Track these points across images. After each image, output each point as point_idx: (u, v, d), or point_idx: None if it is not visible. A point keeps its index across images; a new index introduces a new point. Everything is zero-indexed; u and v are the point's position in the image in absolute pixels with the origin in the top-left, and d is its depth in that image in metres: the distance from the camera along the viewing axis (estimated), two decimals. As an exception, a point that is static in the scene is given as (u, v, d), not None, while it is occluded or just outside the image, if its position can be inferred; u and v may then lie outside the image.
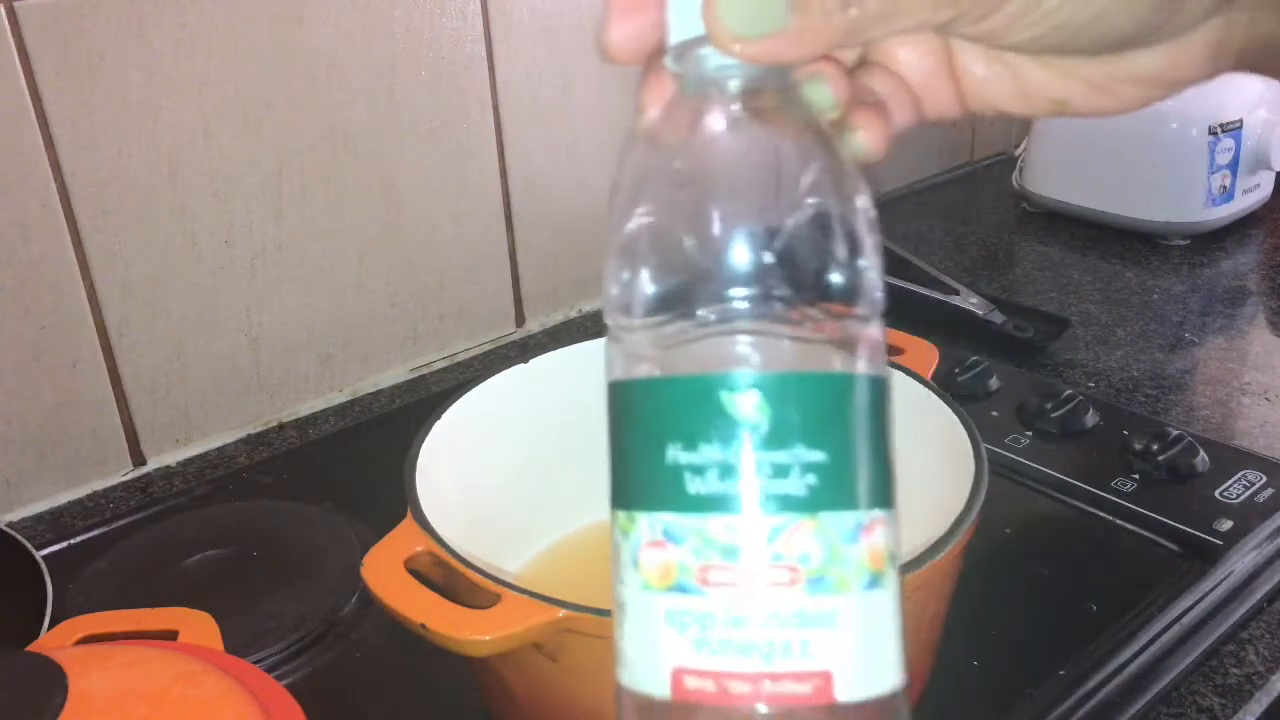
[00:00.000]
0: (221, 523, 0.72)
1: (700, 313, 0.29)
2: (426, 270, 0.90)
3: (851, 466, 0.28)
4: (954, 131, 1.31)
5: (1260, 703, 0.55)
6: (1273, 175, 1.11)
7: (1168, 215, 1.07)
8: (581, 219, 0.99)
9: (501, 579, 0.45)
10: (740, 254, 0.29)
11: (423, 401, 0.86)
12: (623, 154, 0.32)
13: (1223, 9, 0.30)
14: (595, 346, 0.64)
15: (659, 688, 0.29)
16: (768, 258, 0.29)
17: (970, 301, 0.93)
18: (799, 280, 0.29)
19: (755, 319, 0.29)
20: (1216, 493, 0.68)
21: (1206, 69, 0.32)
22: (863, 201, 0.31)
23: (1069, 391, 0.77)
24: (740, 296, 0.29)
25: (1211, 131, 1.03)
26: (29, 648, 0.46)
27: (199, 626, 0.48)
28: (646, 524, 0.30)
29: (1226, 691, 0.55)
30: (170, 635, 0.48)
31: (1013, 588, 0.63)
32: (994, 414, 0.77)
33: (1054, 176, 1.14)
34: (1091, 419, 0.76)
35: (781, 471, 0.28)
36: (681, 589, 0.29)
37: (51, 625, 0.54)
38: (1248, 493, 0.68)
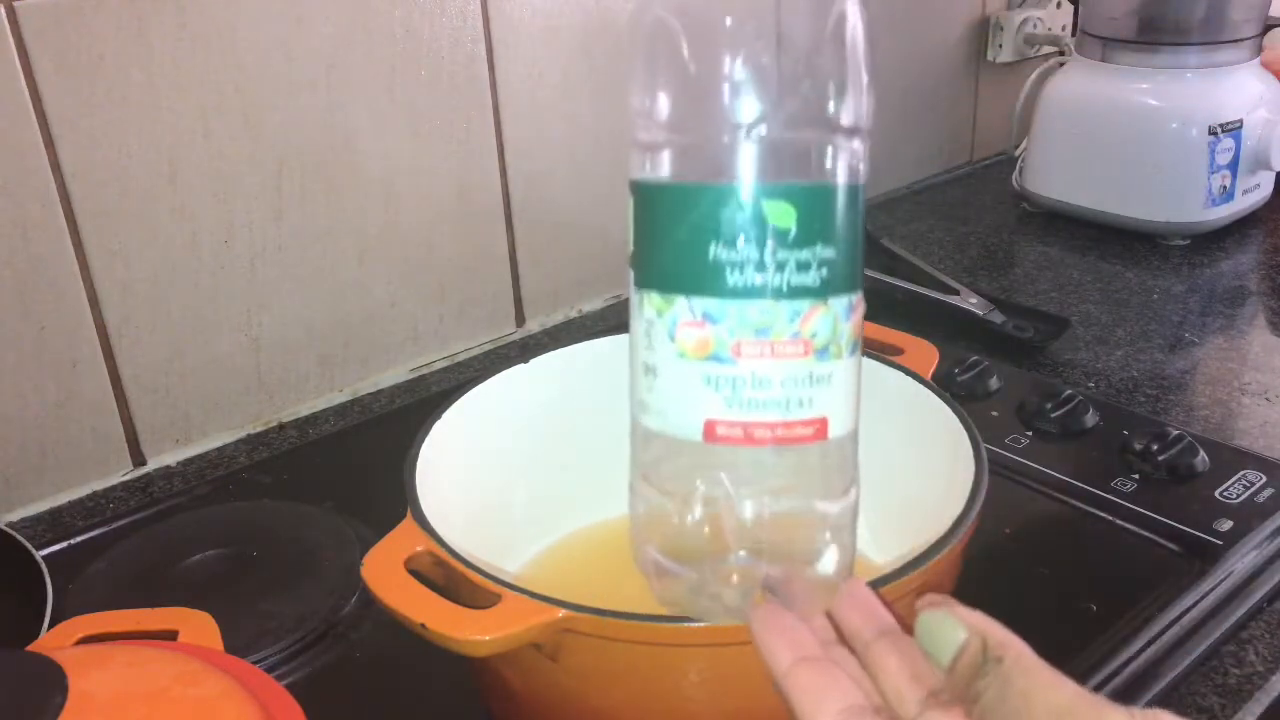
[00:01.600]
0: (221, 523, 0.72)
1: (732, 118, 0.35)
2: (426, 270, 0.90)
3: (850, 259, 0.36)
4: (954, 131, 1.31)
5: (1260, 703, 0.55)
6: (1273, 175, 1.11)
7: (1168, 215, 1.07)
8: (581, 219, 0.99)
9: (501, 579, 0.45)
10: (763, 56, 0.35)
11: (423, 401, 0.86)
12: None
13: None
14: (595, 346, 0.64)
15: (692, 433, 0.37)
16: (790, 62, 0.35)
17: (970, 301, 0.93)
18: (817, 90, 0.35)
19: (783, 126, 0.35)
20: (1216, 493, 0.68)
21: None
22: (862, 14, 0.36)
23: (1069, 391, 0.77)
24: (767, 99, 0.35)
25: (1211, 131, 1.03)
26: (29, 648, 0.46)
27: (199, 626, 0.48)
28: (686, 305, 0.36)
29: (1226, 691, 0.55)
30: (170, 635, 0.48)
31: (1013, 588, 0.63)
32: (994, 414, 0.77)
33: (1054, 176, 1.14)
34: (1091, 419, 0.76)
35: (804, 266, 0.35)
36: (717, 359, 0.36)
37: (51, 625, 0.54)
38: (1248, 493, 0.68)
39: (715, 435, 0.36)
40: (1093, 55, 1.10)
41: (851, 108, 0.36)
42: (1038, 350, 0.88)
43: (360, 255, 0.86)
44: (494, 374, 0.61)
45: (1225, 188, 1.06)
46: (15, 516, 0.75)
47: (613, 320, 0.99)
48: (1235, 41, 1.06)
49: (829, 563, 0.38)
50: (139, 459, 0.80)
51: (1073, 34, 1.23)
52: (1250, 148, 1.06)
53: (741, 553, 0.37)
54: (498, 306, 0.96)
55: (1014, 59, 1.29)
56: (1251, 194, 1.09)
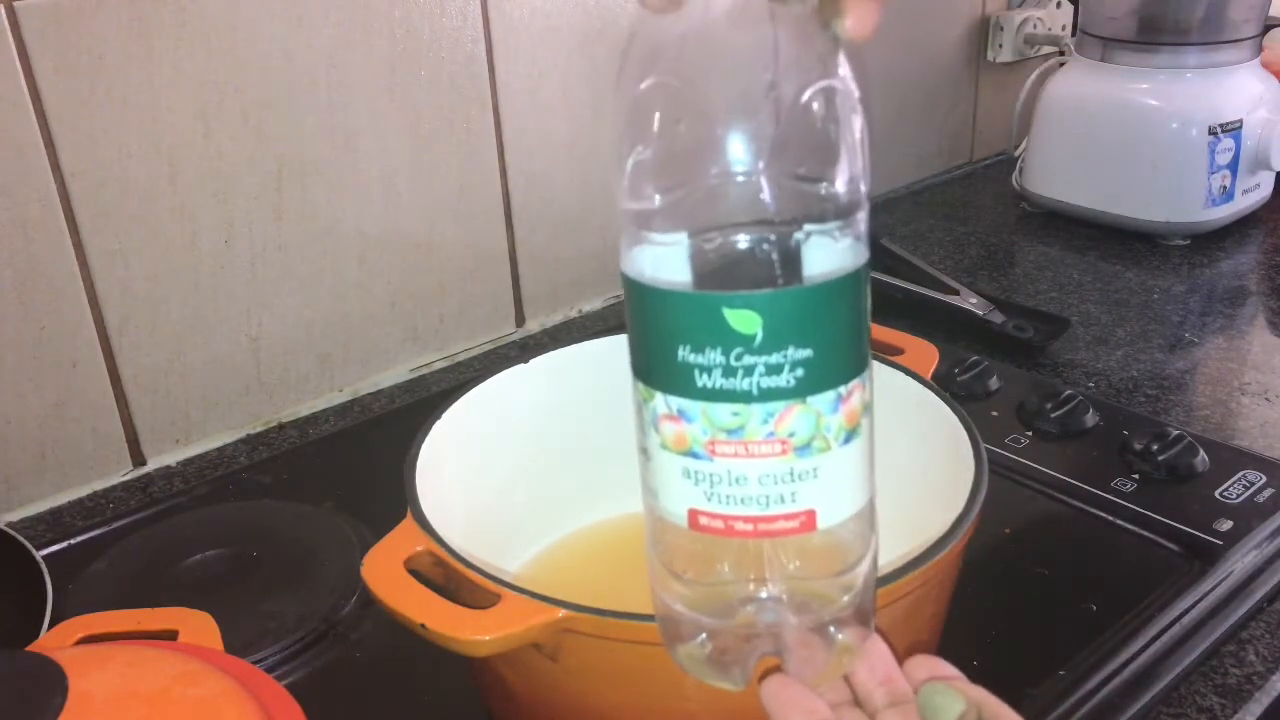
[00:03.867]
0: (221, 523, 0.72)
1: (703, 203, 0.34)
2: (426, 270, 0.90)
3: (834, 354, 0.35)
4: (954, 131, 1.31)
5: (1260, 703, 0.55)
6: (1273, 175, 1.11)
7: (1168, 215, 1.07)
8: (581, 219, 0.99)
9: (501, 579, 0.45)
10: (742, 124, 0.34)
11: (423, 401, 0.86)
12: (629, 40, 0.38)
13: None
14: (595, 346, 0.64)
15: (679, 519, 0.37)
16: (767, 131, 0.33)
17: (970, 301, 0.93)
18: (798, 162, 0.34)
19: (753, 219, 0.34)
20: (1216, 493, 0.68)
21: None
22: (852, 85, 0.35)
23: (1069, 391, 0.77)
24: (741, 174, 0.33)
25: (1211, 131, 1.03)
26: (29, 648, 0.46)
27: (199, 626, 0.48)
28: (663, 401, 0.36)
29: (1226, 691, 0.55)
30: (170, 635, 0.48)
31: (1013, 588, 0.63)
32: (994, 414, 0.77)
33: (1054, 176, 1.14)
34: (1091, 419, 0.76)
35: (775, 370, 0.34)
36: (693, 455, 0.36)
37: (51, 625, 0.54)
38: (1248, 493, 0.68)
39: (699, 525, 0.37)
40: (1093, 55, 1.10)
41: (844, 192, 0.34)
42: (1038, 350, 0.88)
43: (360, 255, 0.86)
44: (494, 374, 0.61)
45: (1225, 188, 1.06)
46: (15, 516, 0.75)
47: (613, 320, 0.99)
48: (1235, 41, 1.06)
49: (845, 628, 0.38)
50: (139, 459, 0.80)
51: (1073, 34, 1.23)
52: (1250, 148, 1.06)
53: (755, 620, 0.37)
54: (498, 306, 0.96)
55: (1014, 59, 1.29)
56: (1251, 194, 1.09)
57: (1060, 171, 1.13)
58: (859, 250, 0.35)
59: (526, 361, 0.62)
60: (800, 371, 0.34)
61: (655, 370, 0.36)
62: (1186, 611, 0.59)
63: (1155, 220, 1.07)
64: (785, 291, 0.34)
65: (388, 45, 0.82)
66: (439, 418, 0.57)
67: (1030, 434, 0.75)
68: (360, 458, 0.79)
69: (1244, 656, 0.57)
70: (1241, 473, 0.69)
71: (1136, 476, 0.70)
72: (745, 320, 0.34)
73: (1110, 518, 0.67)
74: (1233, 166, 1.05)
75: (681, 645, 0.39)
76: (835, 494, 0.36)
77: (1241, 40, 1.06)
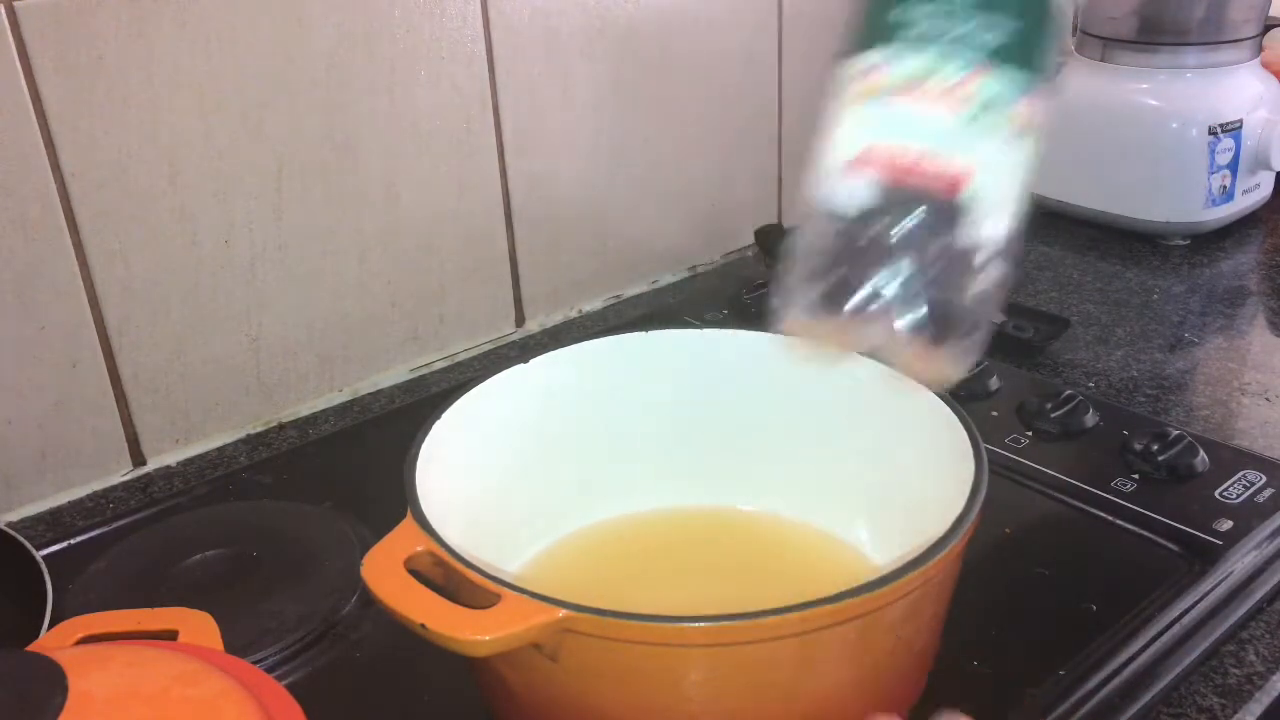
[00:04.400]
0: (221, 523, 0.72)
1: None
2: (426, 270, 0.90)
3: (1031, 46, 0.40)
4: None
5: (1260, 703, 0.55)
6: (1273, 175, 1.11)
7: (1168, 215, 1.07)
8: (581, 219, 0.99)
9: (501, 579, 0.45)
10: None
11: (423, 401, 0.86)
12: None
13: None
14: (595, 346, 0.64)
15: (850, 153, 0.43)
16: None
17: (970, 301, 0.93)
18: None
19: None
20: (1216, 493, 0.68)
21: None
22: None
23: (1069, 391, 0.77)
24: None
25: (1211, 131, 1.03)
26: (29, 648, 0.46)
27: (199, 626, 0.48)
28: (866, 56, 0.42)
29: (1226, 691, 0.55)
30: (170, 635, 0.48)
31: (1013, 588, 0.63)
32: (994, 414, 0.77)
33: (1054, 176, 1.14)
34: (1091, 419, 0.76)
35: (984, 26, 0.39)
36: (880, 101, 0.42)
37: (51, 625, 0.54)
38: (1248, 493, 0.68)
39: (867, 157, 0.42)
40: (1093, 55, 1.10)
41: None
42: (1038, 350, 0.88)
43: (360, 255, 0.86)
44: (494, 374, 0.61)
45: (1225, 188, 1.06)
46: (15, 516, 0.75)
47: (613, 320, 0.99)
48: (1235, 41, 1.06)
49: (953, 335, 0.44)
50: (139, 459, 0.80)
51: (1073, 34, 1.23)
52: (1250, 148, 1.06)
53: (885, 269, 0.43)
54: (498, 306, 0.96)
55: (1014, 59, 1.29)
56: (1251, 194, 1.09)
57: (1060, 171, 1.13)
58: None
59: (526, 361, 0.62)
60: (1002, 37, 0.40)
61: (866, 31, 0.43)
62: (1186, 611, 0.59)
63: (1155, 220, 1.07)
64: None
65: (388, 45, 0.82)
66: (439, 418, 0.57)
67: (1030, 434, 0.75)
68: (360, 458, 0.79)
69: (1244, 656, 0.57)
70: (1241, 473, 0.69)
71: (1136, 476, 0.70)
72: None
73: (1110, 518, 0.67)
74: (1233, 166, 1.05)
75: (804, 280, 0.45)
76: (990, 174, 0.41)
77: (1241, 40, 1.06)
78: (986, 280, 0.43)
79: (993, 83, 0.40)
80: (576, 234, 0.99)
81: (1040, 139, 0.42)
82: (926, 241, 0.42)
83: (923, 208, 0.42)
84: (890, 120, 0.42)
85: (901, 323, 0.42)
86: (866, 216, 0.43)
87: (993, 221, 0.42)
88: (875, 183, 0.43)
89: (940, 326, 0.43)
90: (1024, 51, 0.40)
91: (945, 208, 0.42)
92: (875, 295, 0.42)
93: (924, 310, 0.42)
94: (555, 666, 0.46)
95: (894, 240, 0.42)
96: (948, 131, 0.41)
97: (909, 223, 0.42)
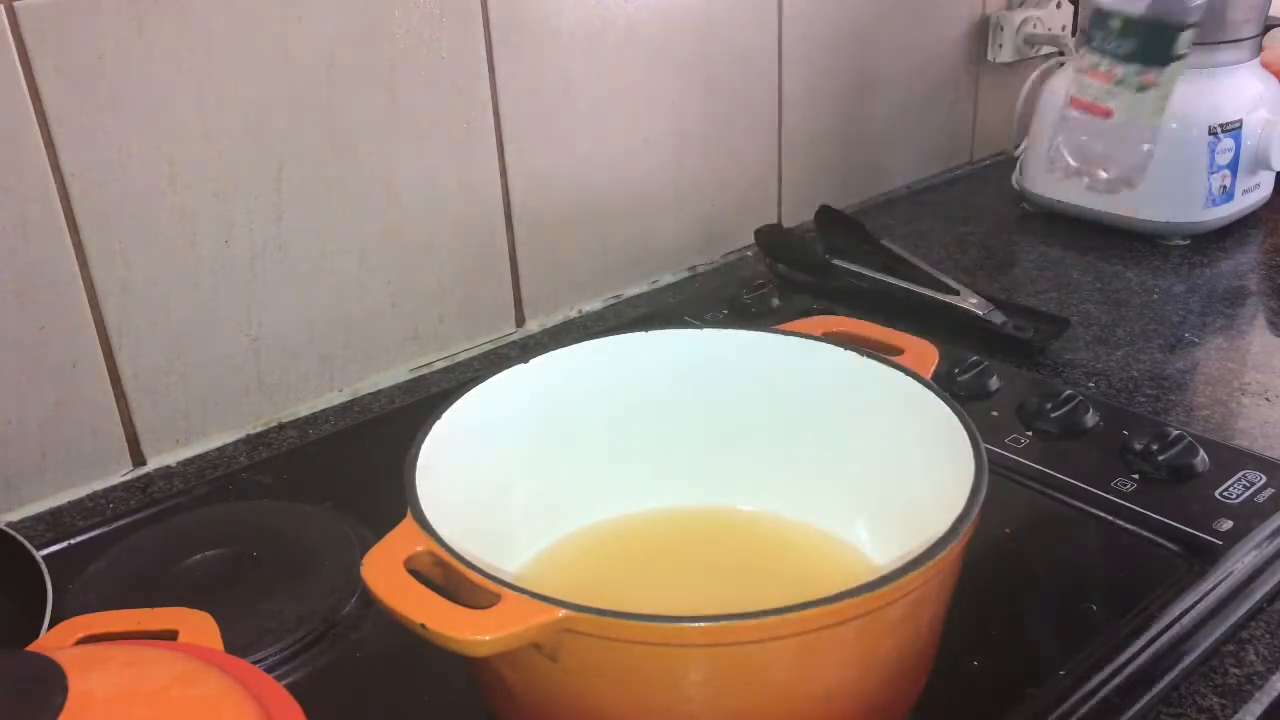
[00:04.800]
0: (221, 523, 0.72)
1: None
2: (426, 270, 0.90)
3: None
4: (954, 131, 1.31)
5: (1260, 703, 0.55)
6: (1273, 175, 1.11)
7: (1168, 215, 1.07)
8: (581, 219, 0.99)
9: (501, 579, 0.45)
10: None
11: (423, 401, 0.86)
12: None
13: None
14: (595, 346, 0.64)
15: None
16: None
17: (970, 301, 0.93)
18: None
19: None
20: (1216, 493, 0.68)
21: None
22: None
23: (1069, 391, 0.77)
24: None
25: (1211, 131, 1.03)
26: (29, 648, 0.46)
27: (199, 626, 0.48)
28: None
29: (1226, 691, 0.55)
30: (170, 635, 0.48)
31: (1013, 588, 0.63)
32: (994, 414, 0.77)
33: (1054, 176, 1.14)
34: (1091, 419, 0.76)
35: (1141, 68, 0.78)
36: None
37: (51, 625, 0.54)
38: (1248, 493, 0.68)
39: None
40: (1093, 55, 1.10)
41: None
42: (1038, 350, 0.88)
43: (360, 255, 0.86)
44: (494, 374, 0.61)
45: (1225, 188, 1.06)
46: (15, 516, 0.75)
47: (612, 320, 0.99)
48: (1235, 41, 1.06)
49: None
50: (139, 459, 0.80)
51: (1073, 34, 1.23)
52: (1250, 148, 1.06)
53: None
54: (498, 306, 0.96)
55: (1014, 59, 1.29)
56: (1251, 194, 1.09)
57: (1060, 171, 1.13)
58: None
59: (526, 361, 0.62)
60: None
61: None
62: (1186, 611, 0.59)
63: (1155, 220, 1.07)
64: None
65: (388, 45, 0.82)
66: (439, 418, 0.57)
67: (1030, 434, 0.75)
68: (360, 458, 0.79)
69: (1244, 656, 0.57)
70: (1241, 473, 0.69)
71: (1136, 476, 0.70)
72: None
73: (1110, 518, 0.67)
74: (1233, 166, 1.05)
75: None
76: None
77: (1241, 40, 1.06)
78: None
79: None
80: (576, 234, 0.99)
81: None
82: None
83: None
84: None
85: None
86: None
87: None
88: None
89: None
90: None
91: None
92: None
93: None
94: (555, 666, 0.46)
95: None
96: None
97: None
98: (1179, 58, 0.77)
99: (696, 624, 0.43)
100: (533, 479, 0.63)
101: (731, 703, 0.46)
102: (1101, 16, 0.77)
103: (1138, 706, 0.54)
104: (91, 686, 0.39)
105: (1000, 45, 1.28)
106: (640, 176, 1.01)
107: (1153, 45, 0.74)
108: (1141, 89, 0.76)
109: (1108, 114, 0.74)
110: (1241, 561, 0.62)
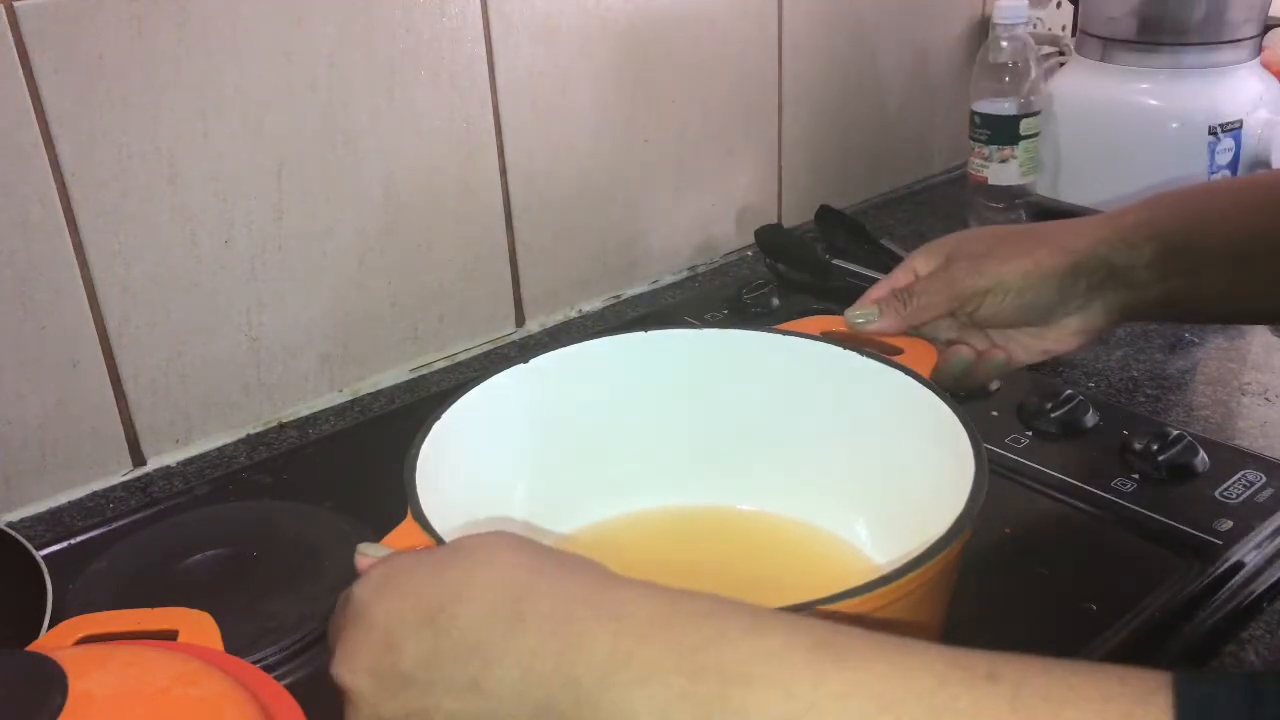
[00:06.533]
0: (221, 523, 0.72)
1: None
2: (426, 270, 0.90)
3: None
4: (954, 131, 1.31)
5: (1260, 703, 0.55)
6: (1273, 175, 1.11)
7: (1168, 215, 1.07)
8: (581, 219, 0.99)
9: (501, 579, 0.45)
10: None
11: (423, 401, 0.86)
12: None
13: (1093, 299, 0.63)
14: (595, 347, 0.64)
15: None
16: None
17: (970, 301, 0.93)
18: None
19: None
20: (1216, 493, 0.68)
21: (1081, 338, 0.64)
22: None
23: (1069, 391, 0.77)
24: None
25: (1211, 131, 1.03)
26: (29, 648, 0.46)
27: (199, 626, 0.48)
28: None
29: (1226, 691, 0.55)
30: (170, 635, 0.48)
31: (1013, 588, 0.63)
32: (994, 414, 0.77)
33: (1054, 176, 1.14)
34: (1091, 419, 0.76)
35: None
36: None
37: (51, 625, 0.54)
38: (1248, 493, 0.68)
39: None
40: (1093, 55, 1.10)
41: None
42: (1038, 350, 0.88)
43: (360, 255, 0.86)
44: (494, 374, 0.61)
45: (1225, 188, 1.06)
46: (15, 516, 0.75)
47: (612, 320, 0.99)
48: (1235, 41, 1.06)
49: None
50: (139, 459, 0.80)
51: (1073, 34, 1.23)
52: (1250, 148, 1.06)
53: None
54: (498, 306, 0.96)
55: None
56: (1251, 194, 1.09)
57: (1060, 171, 1.13)
58: None
59: (526, 361, 0.62)
60: None
61: None
62: (1186, 611, 0.59)
63: (1155, 220, 1.07)
64: None
65: (388, 45, 0.82)
66: (439, 418, 0.57)
67: (1030, 434, 0.75)
68: (360, 458, 0.79)
69: (1244, 656, 0.57)
70: (1241, 473, 0.69)
71: (1136, 476, 0.70)
72: None
73: (1110, 518, 0.67)
74: (1233, 166, 1.05)
75: None
76: None
77: (1241, 40, 1.06)
78: None
79: None
80: (576, 234, 0.99)
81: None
82: None
83: None
84: None
85: None
86: None
87: None
88: None
89: None
90: None
91: None
92: None
93: None
94: (555, 666, 0.45)
95: None
96: None
97: None
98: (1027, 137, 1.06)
99: (696, 624, 0.42)
100: (533, 479, 0.62)
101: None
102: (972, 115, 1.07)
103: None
104: (91, 686, 0.39)
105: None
106: (640, 177, 1.01)
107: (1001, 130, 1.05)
108: (1003, 161, 1.06)
109: (984, 180, 1.07)
110: (1241, 562, 0.62)
